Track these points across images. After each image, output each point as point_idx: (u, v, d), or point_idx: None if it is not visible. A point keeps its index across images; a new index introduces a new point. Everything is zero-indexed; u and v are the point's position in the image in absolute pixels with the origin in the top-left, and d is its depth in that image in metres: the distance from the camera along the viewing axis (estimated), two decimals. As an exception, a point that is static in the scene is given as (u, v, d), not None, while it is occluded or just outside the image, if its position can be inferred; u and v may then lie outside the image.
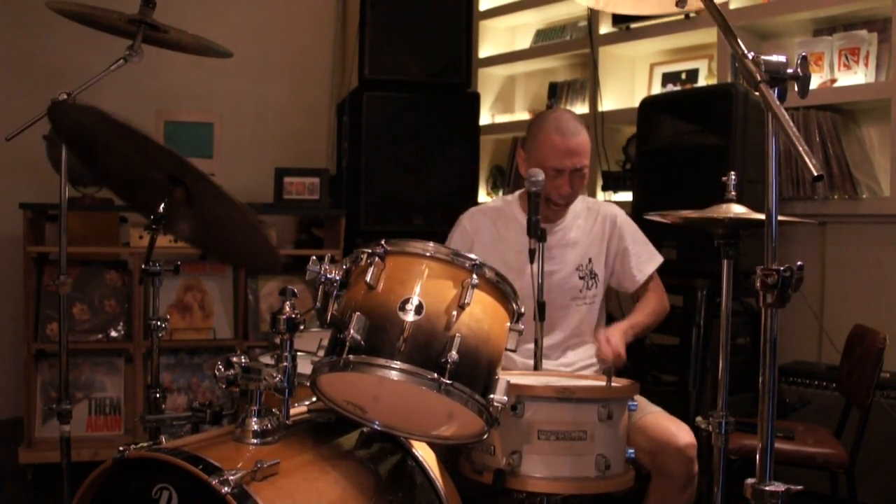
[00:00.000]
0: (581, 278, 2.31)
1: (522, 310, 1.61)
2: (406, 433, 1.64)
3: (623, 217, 2.39)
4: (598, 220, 2.36)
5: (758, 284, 1.20)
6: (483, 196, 4.29)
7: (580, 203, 2.40)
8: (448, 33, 3.65)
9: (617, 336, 2.12)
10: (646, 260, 2.36)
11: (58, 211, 2.30)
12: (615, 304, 2.86)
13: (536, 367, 2.06)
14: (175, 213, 1.86)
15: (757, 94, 1.20)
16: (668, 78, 3.73)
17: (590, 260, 2.32)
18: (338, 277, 1.53)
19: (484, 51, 4.37)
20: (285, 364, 1.50)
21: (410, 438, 1.69)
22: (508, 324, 1.58)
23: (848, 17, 3.10)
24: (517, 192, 2.42)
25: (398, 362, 1.44)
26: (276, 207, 3.62)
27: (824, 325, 3.06)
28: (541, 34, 4.25)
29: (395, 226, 3.50)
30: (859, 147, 3.08)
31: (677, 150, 2.92)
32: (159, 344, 2.04)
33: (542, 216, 2.04)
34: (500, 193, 4.30)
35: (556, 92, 4.19)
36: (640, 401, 2.09)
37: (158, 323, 2.03)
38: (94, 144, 1.96)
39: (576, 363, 2.29)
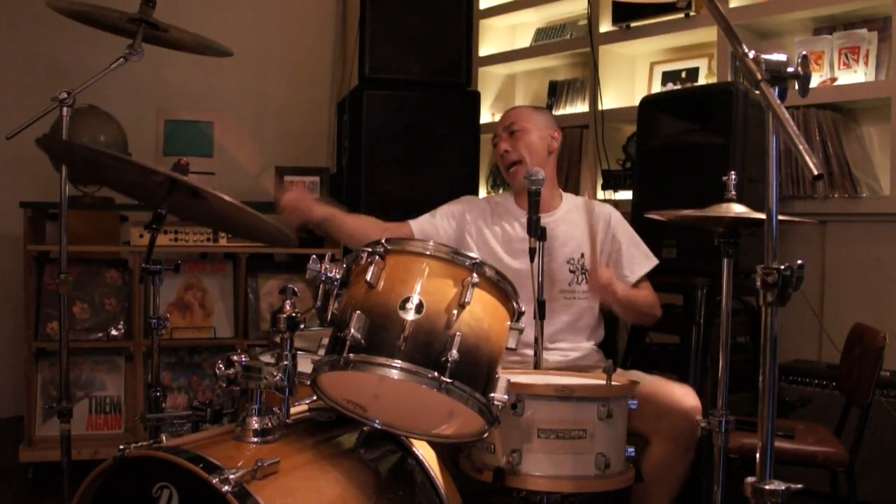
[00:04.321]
0: (571, 272, 2.33)
1: (523, 308, 1.61)
2: (406, 432, 1.64)
3: (617, 217, 2.43)
4: (593, 218, 2.37)
5: (758, 283, 1.20)
6: (483, 195, 4.29)
7: (574, 200, 2.46)
8: (448, 32, 3.64)
9: (614, 279, 2.20)
10: (639, 262, 2.39)
11: (58, 210, 2.30)
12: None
13: (537, 364, 2.06)
14: (183, 205, 1.87)
15: (757, 92, 1.20)
16: (668, 77, 3.73)
17: (582, 255, 2.34)
18: (338, 276, 1.53)
19: (484, 49, 4.37)
20: (285, 363, 1.50)
21: (411, 437, 1.69)
22: (509, 322, 1.58)
23: (848, 16, 3.10)
24: (511, 190, 2.52)
25: (398, 361, 1.44)
26: (275, 206, 3.62)
27: (824, 324, 3.06)
28: (541, 33, 4.25)
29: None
30: (859, 146, 3.08)
31: (677, 149, 2.92)
32: (159, 343, 2.04)
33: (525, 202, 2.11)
34: (501, 192, 4.31)
35: (556, 91, 4.19)
36: (637, 374, 2.16)
37: (159, 322, 2.03)
38: (89, 166, 1.98)
39: (568, 354, 2.30)
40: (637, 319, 2.43)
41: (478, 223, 2.42)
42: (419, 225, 2.43)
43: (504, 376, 1.55)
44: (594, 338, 2.38)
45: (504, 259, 2.32)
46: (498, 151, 2.40)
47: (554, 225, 2.33)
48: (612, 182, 3.71)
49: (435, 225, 2.42)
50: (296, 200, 2.33)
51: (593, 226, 2.28)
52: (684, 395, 2.06)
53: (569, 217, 2.39)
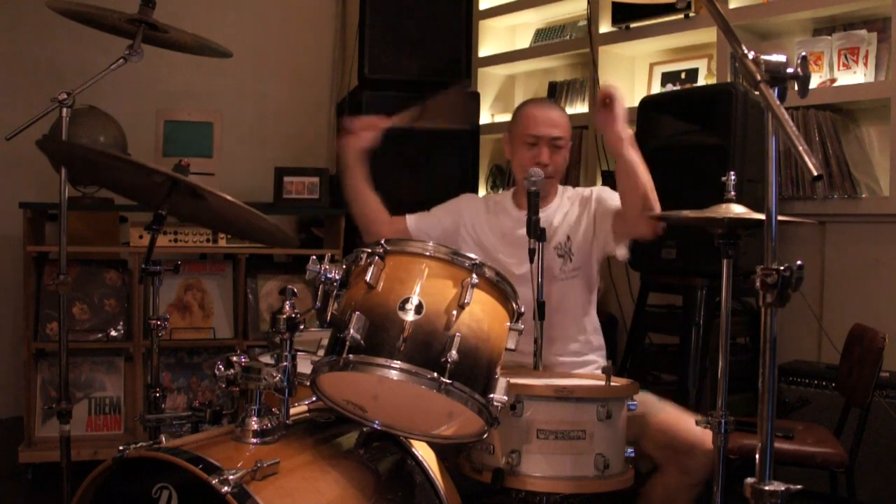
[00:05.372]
0: (560, 256, 2.33)
1: (522, 309, 1.61)
2: (406, 433, 1.64)
3: (597, 189, 2.41)
4: (576, 204, 2.38)
5: (757, 284, 1.20)
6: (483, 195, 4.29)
7: (566, 191, 2.44)
8: (448, 33, 3.64)
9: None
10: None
11: (58, 210, 2.30)
12: (613, 301, 2.85)
13: (536, 366, 2.06)
14: (183, 205, 1.87)
15: (757, 93, 1.20)
16: (667, 77, 3.73)
17: (568, 238, 2.34)
18: (338, 277, 1.53)
19: (484, 50, 4.37)
20: (285, 364, 1.50)
21: (410, 438, 1.69)
22: (508, 323, 1.58)
23: (847, 17, 3.10)
24: (512, 189, 2.50)
25: (398, 362, 1.44)
26: (275, 207, 3.62)
27: (824, 325, 3.06)
28: (540, 34, 4.25)
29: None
30: (859, 147, 3.08)
31: (677, 149, 2.92)
32: (159, 343, 2.04)
33: (524, 203, 2.08)
34: (500, 192, 4.31)
35: (556, 91, 4.19)
36: (650, 397, 2.11)
37: (158, 322, 2.03)
38: (89, 167, 1.98)
39: (567, 356, 2.30)
40: (635, 193, 2.16)
41: (473, 219, 2.42)
42: (415, 219, 2.44)
43: (503, 377, 1.55)
44: (589, 327, 2.36)
45: (499, 250, 2.32)
46: (535, 157, 2.27)
47: (547, 218, 2.33)
48: (611, 182, 3.69)
49: (431, 221, 2.42)
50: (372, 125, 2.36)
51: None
52: (705, 435, 1.93)
53: (562, 209, 2.39)
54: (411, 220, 2.44)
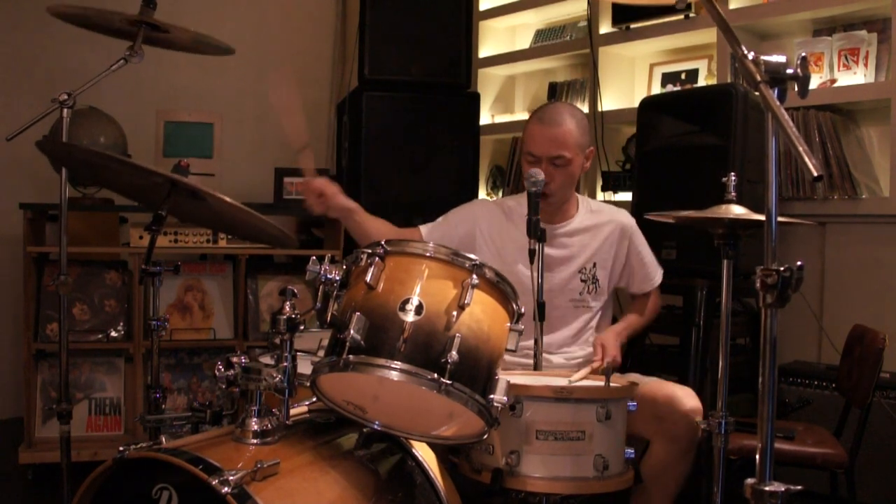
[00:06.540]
0: (583, 281, 2.31)
1: (522, 310, 1.61)
2: (406, 433, 1.64)
3: (634, 227, 2.41)
4: (608, 227, 2.36)
5: (757, 284, 1.20)
6: (483, 196, 4.29)
7: (589, 206, 2.42)
8: (448, 33, 3.64)
9: (611, 341, 2.20)
10: (652, 273, 2.43)
11: (58, 211, 2.30)
12: (613, 301, 2.84)
13: (536, 366, 2.06)
14: (183, 206, 1.87)
15: (757, 94, 1.21)
16: (667, 78, 3.73)
17: (594, 265, 2.32)
18: (338, 277, 1.53)
19: (484, 51, 4.37)
20: (285, 364, 1.50)
21: (410, 438, 1.69)
22: (508, 324, 1.58)
23: (847, 18, 3.10)
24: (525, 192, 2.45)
25: (398, 362, 1.44)
26: (275, 207, 3.62)
27: (824, 326, 3.06)
28: (541, 34, 4.25)
29: (395, 226, 3.51)
30: (859, 147, 3.08)
31: (677, 150, 2.92)
32: (159, 344, 2.04)
33: (544, 215, 2.06)
34: (500, 193, 4.31)
35: (556, 92, 4.19)
36: (635, 376, 2.18)
37: (158, 323, 2.03)
38: (89, 168, 1.98)
39: (574, 357, 2.30)
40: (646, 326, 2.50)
41: (491, 228, 2.36)
42: (429, 230, 2.37)
43: (503, 377, 1.55)
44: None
45: (517, 265, 2.26)
46: (534, 174, 2.16)
47: (568, 236, 2.32)
48: (611, 183, 3.71)
49: (447, 231, 2.36)
50: (323, 186, 2.26)
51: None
52: (684, 396, 2.06)
53: (583, 227, 2.35)
54: (426, 230, 2.37)
